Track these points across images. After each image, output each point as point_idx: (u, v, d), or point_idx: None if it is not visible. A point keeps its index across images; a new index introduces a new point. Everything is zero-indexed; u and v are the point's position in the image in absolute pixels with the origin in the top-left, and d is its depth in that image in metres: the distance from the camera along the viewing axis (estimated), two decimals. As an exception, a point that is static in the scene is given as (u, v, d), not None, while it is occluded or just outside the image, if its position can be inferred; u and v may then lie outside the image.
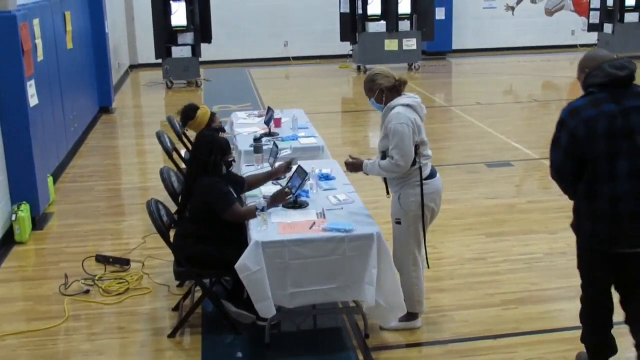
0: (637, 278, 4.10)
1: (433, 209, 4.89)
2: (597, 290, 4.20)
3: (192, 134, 7.51)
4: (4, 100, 6.92)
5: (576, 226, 4.12)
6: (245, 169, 6.12)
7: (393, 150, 4.68)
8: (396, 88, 4.83)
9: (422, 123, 4.79)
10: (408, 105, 4.74)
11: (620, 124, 3.84)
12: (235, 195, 5.10)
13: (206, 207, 4.95)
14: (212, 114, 6.73)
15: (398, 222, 4.87)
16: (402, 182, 4.80)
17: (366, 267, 4.60)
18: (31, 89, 7.23)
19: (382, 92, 4.84)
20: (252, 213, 4.86)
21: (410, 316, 4.96)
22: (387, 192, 5.03)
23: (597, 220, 3.95)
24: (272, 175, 5.58)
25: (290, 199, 5.03)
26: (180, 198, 5.47)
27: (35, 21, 7.85)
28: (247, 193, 5.48)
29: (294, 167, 5.26)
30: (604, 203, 3.91)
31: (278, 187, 5.44)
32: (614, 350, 4.29)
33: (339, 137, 11.00)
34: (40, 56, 7.98)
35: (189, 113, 6.75)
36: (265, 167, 5.96)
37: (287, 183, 5.22)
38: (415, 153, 4.70)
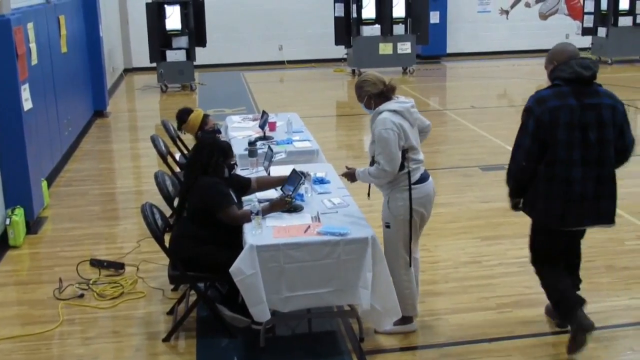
0: (577, 250, 4.89)
1: (422, 214, 4.88)
2: (555, 257, 4.77)
3: (186, 137, 7.54)
4: (-2, 104, 6.91)
5: (530, 206, 4.65)
6: (240, 173, 6.11)
7: (379, 156, 4.69)
8: (384, 94, 4.84)
9: (412, 128, 4.79)
10: (395, 111, 4.74)
11: (577, 118, 4.36)
12: (235, 198, 5.09)
13: (204, 207, 4.94)
14: (205, 116, 6.74)
15: (388, 226, 4.87)
16: (391, 186, 4.81)
17: (361, 270, 4.60)
18: (25, 93, 7.22)
19: (371, 98, 4.86)
20: (247, 217, 4.86)
21: (405, 320, 4.96)
22: (368, 195, 5.08)
23: (552, 200, 4.48)
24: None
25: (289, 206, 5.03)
26: (178, 199, 5.47)
27: (30, 25, 7.84)
28: (243, 197, 5.47)
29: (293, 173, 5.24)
30: (559, 185, 4.43)
31: (273, 191, 5.44)
32: (582, 300, 4.67)
33: (333, 141, 11.02)
34: (34, 60, 7.97)
35: (182, 116, 6.79)
36: (260, 171, 5.96)
37: (282, 187, 5.22)
38: (404, 158, 4.71)
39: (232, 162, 5.20)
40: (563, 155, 4.38)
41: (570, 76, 4.38)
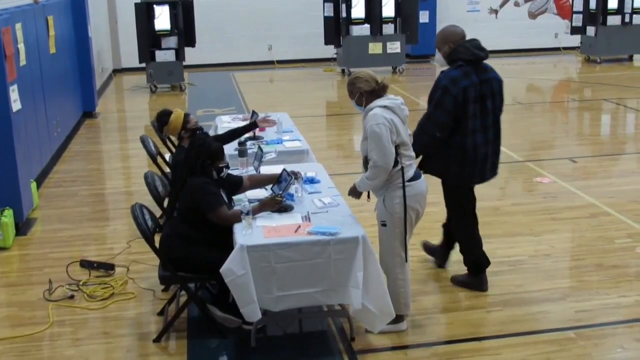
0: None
1: (418, 211, 4.92)
2: (470, 211, 5.62)
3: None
4: (-14, 105, 6.87)
5: (442, 171, 5.39)
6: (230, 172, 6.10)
7: (372, 152, 4.71)
8: (376, 92, 4.86)
9: (403, 124, 4.81)
10: (386, 107, 4.76)
11: (479, 92, 5.22)
12: (225, 199, 5.08)
13: (194, 207, 4.93)
14: (186, 115, 6.65)
15: (384, 225, 4.88)
16: (386, 184, 4.82)
17: (351, 270, 4.60)
18: (14, 94, 7.19)
19: (362, 95, 4.87)
20: (237, 217, 4.85)
21: (396, 319, 4.96)
22: (368, 197, 5.07)
23: (463, 164, 5.27)
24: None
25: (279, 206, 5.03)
26: (168, 199, 5.44)
27: (18, 26, 7.80)
28: (234, 197, 5.46)
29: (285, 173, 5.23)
30: (468, 150, 5.24)
31: (263, 191, 5.44)
32: (489, 261, 5.65)
33: (323, 141, 11.02)
34: (23, 61, 7.94)
35: (162, 119, 6.67)
36: (251, 171, 5.96)
37: (272, 187, 5.22)
38: (397, 154, 4.73)
39: (221, 165, 5.15)
40: (471, 125, 5.21)
41: (471, 57, 5.25)
